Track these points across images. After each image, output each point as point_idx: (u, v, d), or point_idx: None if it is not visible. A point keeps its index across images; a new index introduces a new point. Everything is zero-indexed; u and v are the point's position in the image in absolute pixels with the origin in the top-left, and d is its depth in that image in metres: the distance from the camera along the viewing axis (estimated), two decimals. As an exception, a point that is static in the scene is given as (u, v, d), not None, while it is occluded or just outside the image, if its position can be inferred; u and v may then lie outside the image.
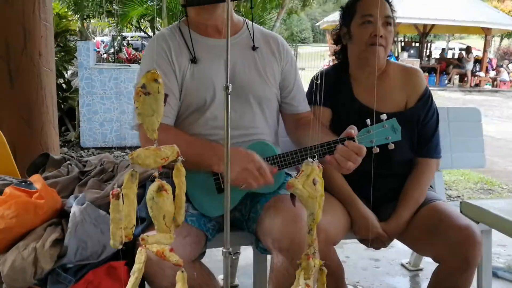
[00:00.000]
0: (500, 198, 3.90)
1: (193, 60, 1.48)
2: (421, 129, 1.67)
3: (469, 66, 16.01)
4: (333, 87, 1.68)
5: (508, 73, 16.97)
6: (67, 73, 5.86)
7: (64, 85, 5.53)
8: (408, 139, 1.64)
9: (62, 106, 5.31)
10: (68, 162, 1.79)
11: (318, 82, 1.70)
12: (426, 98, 1.67)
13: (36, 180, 1.51)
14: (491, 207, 1.47)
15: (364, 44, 1.60)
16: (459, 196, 3.91)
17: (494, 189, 4.21)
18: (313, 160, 0.85)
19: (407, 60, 14.49)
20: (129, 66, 5.55)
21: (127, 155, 4.72)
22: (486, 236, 1.82)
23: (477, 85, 16.26)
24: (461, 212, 1.55)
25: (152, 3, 7.14)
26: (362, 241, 1.64)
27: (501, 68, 17.02)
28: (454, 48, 21.45)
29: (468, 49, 16.67)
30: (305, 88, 1.72)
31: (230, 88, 1.00)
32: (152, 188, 0.82)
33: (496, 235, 1.80)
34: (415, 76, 1.69)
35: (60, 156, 1.85)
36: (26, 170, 1.73)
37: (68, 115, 5.46)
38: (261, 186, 1.35)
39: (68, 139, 5.21)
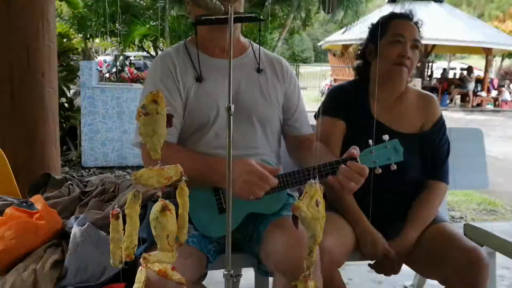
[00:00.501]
0: (504, 219, 3.87)
1: (199, 79, 1.49)
2: (435, 153, 1.70)
3: (471, 86, 16.08)
4: (351, 102, 1.71)
5: (510, 93, 17.02)
6: (69, 92, 5.89)
7: (66, 104, 5.55)
8: (420, 161, 1.67)
9: (64, 125, 5.33)
10: (69, 182, 1.78)
11: (334, 96, 1.73)
12: (441, 124, 1.73)
13: (37, 200, 1.51)
14: (495, 230, 1.46)
15: (390, 62, 1.63)
16: (462, 217, 3.88)
17: (498, 210, 4.18)
18: (315, 181, 0.84)
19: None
20: (131, 85, 5.58)
21: (128, 174, 4.71)
22: (491, 258, 1.80)
23: (478, 105, 16.30)
24: (465, 235, 1.54)
25: (154, 23, 7.21)
26: (372, 266, 1.62)
27: (503, 88, 17.08)
28: (455, 68, 21.57)
29: (469, 69, 16.76)
30: (308, 107, 1.73)
31: (232, 108, 1.00)
32: (156, 208, 0.82)
33: (500, 257, 1.78)
34: (432, 102, 1.75)
35: (62, 176, 1.85)
36: (27, 190, 1.72)
37: (70, 134, 5.47)
38: (266, 190, 1.33)
39: (69, 158, 5.21)
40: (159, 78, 1.50)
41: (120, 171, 4.87)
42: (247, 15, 1.51)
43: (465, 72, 16.94)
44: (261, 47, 1.62)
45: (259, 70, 1.57)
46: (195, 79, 1.49)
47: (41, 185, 1.78)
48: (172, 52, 1.56)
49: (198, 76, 1.49)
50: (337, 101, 1.71)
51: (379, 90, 1.70)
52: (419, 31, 1.68)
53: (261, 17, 1.43)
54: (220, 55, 1.54)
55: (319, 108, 1.77)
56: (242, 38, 1.64)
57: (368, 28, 1.78)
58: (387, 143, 1.37)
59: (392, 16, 1.70)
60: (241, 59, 1.57)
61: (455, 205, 4.22)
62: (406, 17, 1.68)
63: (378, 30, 1.66)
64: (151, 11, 7.36)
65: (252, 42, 1.65)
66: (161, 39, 7.60)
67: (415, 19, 1.69)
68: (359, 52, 1.79)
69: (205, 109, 1.48)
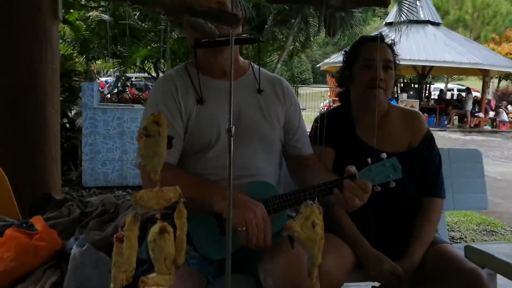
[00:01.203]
0: (504, 240, 3.85)
1: (200, 101, 1.50)
2: (426, 169, 1.70)
3: (469, 106, 16.17)
4: (336, 128, 1.71)
5: (507, 114, 17.11)
6: (71, 112, 5.92)
7: (67, 125, 5.58)
8: (412, 179, 1.65)
9: (65, 145, 5.34)
10: (70, 203, 1.79)
11: (320, 124, 1.73)
12: (428, 140, 1.73)
13: (37, 221, 1.51)
14: (495, 252, 1.46)
15: (364, 87, 1.65)
16: (462, 238, 3.86)
17: (497, 230, 4.16)
18: (313, 202, 0.85)
19: (406, 101, 14.67)
20: (132, 106, 5.61)
21: (128, 194, 4.70)
22: (491, 280, 1.79)
23: (476, 125, 16.37)
24: (465, 256, 1.54)
25: (156, 45, 7.30)
26: None
27: (500, 109, 17.18)
28: (452, 89, 21.75)
29: (468, 90, 16.90)
30: (308, 128, 1.75)
31: (233, 130, 1.01)
32: (154, 230, 0.82)
33: (501, 278, 1.77)
34: (416, 119, 1.75)
35: (62, 196, 1.85)
36: (27, 210, 1.72)
37: (71, 154, 5.48)
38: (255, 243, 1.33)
39: (69, 178, 5.21)
40: (160, 99, 1.51)
41: (120, 191, 4.86)
42: (246, 36, 1.54)
43: (463, 93, 17.06)
44: (261, 68, 1.64)
45: (259, 91, 1.58)
46: (196, 101, 1.50)
47: (42, 206, 1.78)
48: (174, 74, 1.57)
49: (199, 98, 1.50)
50: (323, 129, 1.71)
51: (361, 114, 1.73)
52: (392, 51, 1.69)
53: (260, 39, 1.46)
54: (220, 77, 1.55)
55: (309, 135, 1.78)
56: (241, 60, 1.66)
57: (342, 55, 1.81)
58: (385, 161, 1.38)
59: (363, 40, 1.73)
60: (242, 81, 1.58)
61: (455, 225, 4.20)
62: (375, 40, 1.69)
63: (351, 56, 1.71)
64: (152, 33, 7.46)
65: (252, 63, 1.67)
66: (162, 60, 7.67)
67: (386, 40, 1.71)
68: (338, 79, 1.82)
69: (206, 131, 1.49)
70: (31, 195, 1.88)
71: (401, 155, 1.48)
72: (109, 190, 4.87)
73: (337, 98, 1.90)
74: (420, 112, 1.84)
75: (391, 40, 1.73)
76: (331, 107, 1.95)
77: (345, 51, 1.80)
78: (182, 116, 1.49)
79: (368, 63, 1.64)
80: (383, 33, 1.82)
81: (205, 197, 1.36)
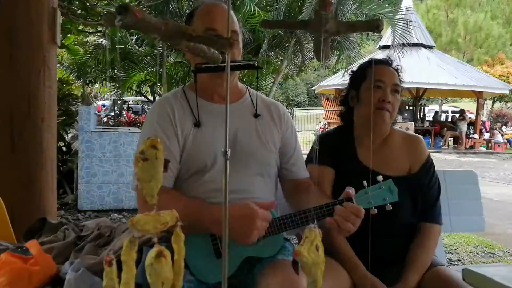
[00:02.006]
0: (502, 263, 3.83)
1: (197, 124, 1.51)
2: (425, 195, 1.70)
3: (464, 127, 16.29)
4: (337, 148, 1.72)
5: (502, 135, 17.24)
6: (67, 136, 5.93)
7: (64, 148, 5.58)
8: (410, 203, 1.67)
9: (61, 168, 5.33)
10: (65, 226, 1.78)
11: (321, 144, 1.74)
12: (429, 165, 1.73)
13: (32, 246, 1.50)
14: (494, 275, 1.45)
15: (372, 107, 1.66)
16: (459, 260, 3.84)
17: (495, 252, 4.14)
18: (315, 225, 0.85)
19: (401, 123, 14.77)
20: (129, 129, 5.63)
21: (124, 218, 4.67)
22: (490, 302, 1.78)
23: (472, 147, 16.47)
24: (463, 279, 1.53)
25: (152, 69, 7.37)
26: None
27: (495, 131, 17.32)
28: (447, 111, 21.95)
29: (461, 112, 17.05)
30: (303, 150, 1.76)
31: (229, 153, 1.02)
32: (151, 254, 0.81)
33: (501, 302, 1.75)
34: (418, 144, 1.76)
35: (57, 220, 1.84)
36: (22, 234, 1.71)
37: (67, 178, 5.46)
38: (266, 227, 1.33)
39: (65, 201, 5.18)
40: (157, 122, 1.51)
41: (116, 214, 4.84)
42: (245, 62, 1.56)
43: (457, 115, 17.20)
44: (258, 93, 1.66)
45: (256, 115, 1.59)
46: (194, 124, 1.51)
47: (37, 230, 1.77)
48: (171, 97, 1.58)
49: (196, 122, 1.51)
50: (324, 148, 1.72)
51: (364, 135, 1.73)
52: (399, 76, 1.72)
53: (256, 64, 1.47)
54: (218, 100, 1.57)
55: (308, 155, 1.80)
56: (239, 84, 1.68)
57: (349, 75, 1.83)
58: (381, 183, 1.39)
59: (371, 62, 1.74)
60: (239, 105, 1.60)
61: (452, 247, 4.18)
62: (385, 63, 1.72)
63: (359, 76, 1.72)
64: (149, 57, 7.54)
65: (249, 87, 1.69)
66: (158, 84, 7.73)
67: (394, 65, 1.74)
68: (341, 98, 1.83)
69: (203, 154, 1.49)
70: (26, 219, 1.87)
71: (401, 179, 1.49)
72: (105, 213, 4.84)
73: (333, 120, 1.93)
74: (421, 137, 1.85)
75: (398, 65, 1.75)
76: (332, 128, 1.95)
77: (352, 71, 1.82)
78: (179, 139, 1.49)
79: (378, 84, 1.66)
80: (380, 55, 1.85)
81: (201, 220, 1.36)
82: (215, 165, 1.48)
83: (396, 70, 1.72)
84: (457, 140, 16.65)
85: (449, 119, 18.25)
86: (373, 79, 1.68)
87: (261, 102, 1.64)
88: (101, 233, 1.74)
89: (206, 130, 1.51)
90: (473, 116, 17.87)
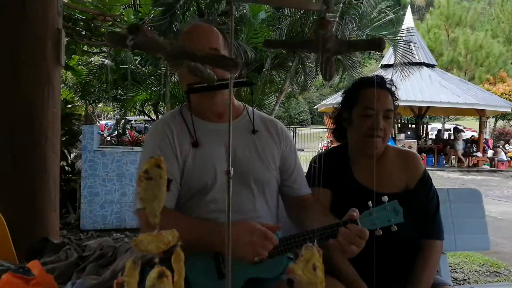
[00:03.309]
0: (508, 282, 3.78)
1: (195, 144, 1.51)
2: (423, 211, 1.68)
3: (459, 146, 16.25)
4: (333, 169, 1.70)
5: (505, 153, 17.18)
6: (70, 155, 5.94)
7: (67, 167, 5.58)
8: (409, 221, 1.63)
9: (64, 188, 5.32)
10: (67, 246, 1.77)
11: (317, 165, 1.73)
12: (425, 181, 1.71)
13: (34, 266, 1.49)
14: (499, 294, 1.43)
15: (362, 134, 1.64)
16: (465, 279, 3.79)
17: (501, 271, 4.09)
18: (313, 244, 0.84)
19: (404, 141, 14.75)
20: (132, 148, 5.64)
21: (126, 237, 4.65)
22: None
23: (475, 165, 16.39)
24: (468, 299, 1.51)
25: (156, 89, 7.43)
26: None
27: (498, 149, 17.26)
28: (450, 129, 21.94)
29: (455, 130, 17.03)
30: (305, 169, 1.75)
31: (232, 172, 1.01)
32: (152, 274, 0.81)
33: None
34: (413, 159, 1.73)
35: (60, 240, 1.84)
36: (24, 254, 1.70)
37: (69, 197, 5.45)
38: (270, 249, 1.32)
39: (68, 221, 5.16)
40: (156, 144, 1.52)
41: (118, 234, 4.81)
42: (239, 80, 1.56)
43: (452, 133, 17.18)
44: (255, 110, 1.66)
45: (254, 132, 1.59)
46: (192, 144, 1.51)
47: (39, 250, 1.76)
48: (169, 118, 1.59)
49: (194, 141, 1.52)
50: (319, 170, 1.71)
51: (358, 155, 1.72)
52: (393, 96, 1.68)
53: (252, 81, 1.48)
54: (214, 119, 1.57)
55: (305, 177, 1.77)
56: (236, 102, 1.68)
57: (342, 93, 1.80)
58: (386, 204, 1.37)
59: (363, 83, 1.71)
60: (237, 122, 1.59)
61: (457, 266, 4.13)
62: (378, 84, 1.66)
63: (350, 98, 1.69)
64: (152, 77, 7.60)
65: (246, 105, 1.69)
66: (162, 103, 7.78)
67: (387, 85, 1.69)
68: (335, 115, 1.79)
69: (203, 174, 1.49)
70: (29, 239, 1.86)
71: (398, 196, 1.47)
72: (107, 232, 4.82)
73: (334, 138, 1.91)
74: (416, 153, 1.83)
75: (390, 82, 1.70)
76: (329, 148, 1.94)
77: (344, 91, 1.79)
78: (178, 160, 1.49)
79: (368, 112, 1.62)
80: (382, 74, 1.81)
81: (205, 239, 1.35)
82: (216, 185, 1.47)
83: (389, 89, 1.68)
84: (460, 158, 16.60)
85: (452, 137, 18.21)
86: (362, 105, 1.63)
87: (258, 119, 1.64)
88: (104, 253, 1.73)
89: (204, 150, 1.51)
90: (476, 134, 17.85)
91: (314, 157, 1.79)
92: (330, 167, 1.70)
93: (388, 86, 1.69)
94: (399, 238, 1.58)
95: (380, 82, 1.68)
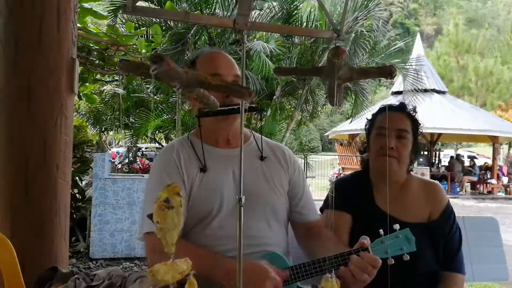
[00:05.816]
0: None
1: (203, 169, 1.50)
2: (447, 243, 1.66)
3: (459, 174, 16.15)
4: (354, 194, 1.71)
5: (521, 180, 16.90)
6: (81, 183, 5.97)
7: (78, 195, 5.60)
8: (432, 251, 1.62)
9: (74, 216, 5.33)
10: (76, 276, 1.74)
11: (337, 189, 1.72)
12: (449, 212, 1.70)
13: (42, 295, 1.47)
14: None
15: (376, 154, 1.67)
16: (485, 312, 3.66)
17: (522, 303, 3.95)
18: (331, 275, 0.82)
19: (417, 168, 14.61)
20: (142, 176, 5.66)
21: (136, 266, 4.60)
22: None
23: (490, 192, 16.13)
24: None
25: (167, 117, 7.50)
26: None
27: (512, 176, 17.02)
28: (463, 156, 21.71)
29: (451, 158, 17.00)
30: (315, 196, 1.73)
31: (243, 199, 1.00)
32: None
33: None
34: (437, 190, 1.74)
35: (68, 269, 1.81)
36: (33, 284, 1.69)
37: (79, 225, 5.45)
38: None
39: (77, 249, 5.14)
40: (164, 170, 1.52)
41: (128, 263, 4.77)
42: (250, 105, 1.57)
43: (474, 160, 17.05)
44: (262, 136, 1.66)
45: (262, 158, 1.59)
46: (199, 169, 1.51)
47: (48, 279, 1.74)
48: (176, 144, 1.60)
49: (202, 167, 1.51)
50: (341, 194, 1.70)
51: (380, 181, 1.72)
52: (413, 119, 1.71)
53: (262, 107, 1.49)
54: (223, 145, 1.57)
55: (325, 201, 1.78)
56: (243, 128, 1.68)
57: (366, 123, 1.84)
58: (398, 232, 1.35)
59: (382, 109, 1.76)
60: (244, 148, 1.59)
61: (476, 298, 4.01)
62: (397, 109, 1.72)
63: (369, 124, 1.75)
64: (163, 104, 7.69)
65: (253, 131, 1.69)
66: (173, 131, 7.84)
67: (407, 109, 1.72)
68: (363, 144, 1.86)
69: (209, 200, 1.48)
70: (38, 267, 1.84)
71: (422, 226, 1.46)
72: (116, 261, 4.78)
73: (348, 165, 1.93)
74: (440, 184, 1.82)
75: (411, 109, 1.74)
76: (349, 173, 1.95)
77: (367, 118, 1.84)
78: (185, 185, 1.48)
79: (380, 131, 1.67)
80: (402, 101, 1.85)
81: (214, 273, 1.33)
82: (222, 210, 1.46)
83: (409, 114, 1.71)
84: (474, 186, 16.35)
85: (466, 163, 18.01)
86: (376, 126, 1.70)
87: (265, 145, 1.64)
88: (113, 283, 1.70)
89: (212, 175, 1.50)
90: (488, 161, 17.63)
91: (335, 180, 1.80)
92: (352, 192, 1.72)
93: (406, 110, 1.72)
94: (420, 268, 1.56)
95: (398, 105, 1.74)
